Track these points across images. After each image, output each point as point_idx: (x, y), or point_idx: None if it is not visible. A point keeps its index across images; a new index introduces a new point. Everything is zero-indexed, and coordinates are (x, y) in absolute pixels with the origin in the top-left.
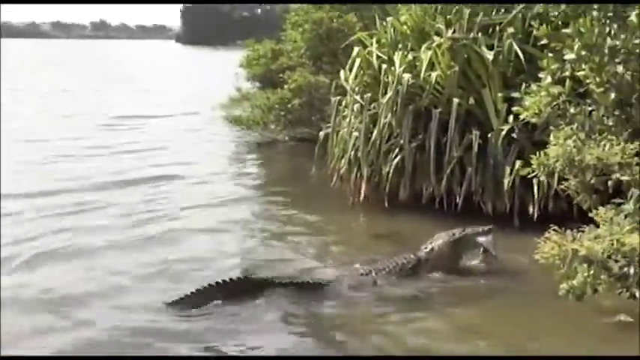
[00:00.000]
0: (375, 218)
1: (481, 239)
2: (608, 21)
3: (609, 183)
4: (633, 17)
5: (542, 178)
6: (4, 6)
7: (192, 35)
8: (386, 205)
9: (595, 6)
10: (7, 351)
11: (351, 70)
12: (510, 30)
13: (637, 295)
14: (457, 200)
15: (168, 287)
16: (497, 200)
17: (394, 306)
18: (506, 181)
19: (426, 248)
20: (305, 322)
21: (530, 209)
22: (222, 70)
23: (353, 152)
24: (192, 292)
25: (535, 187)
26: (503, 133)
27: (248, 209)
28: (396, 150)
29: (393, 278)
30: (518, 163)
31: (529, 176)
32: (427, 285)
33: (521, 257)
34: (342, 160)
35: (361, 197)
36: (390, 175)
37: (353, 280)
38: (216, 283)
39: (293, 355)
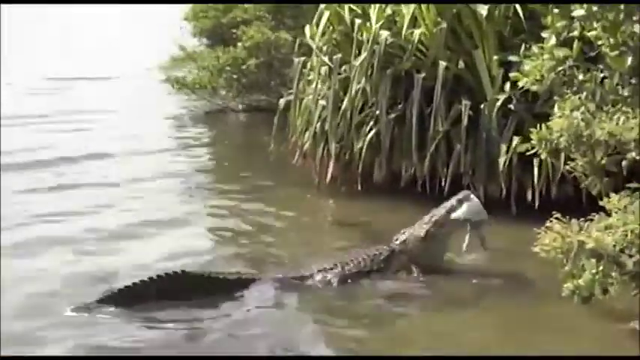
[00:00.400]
0: (344, 204)
1: (459, 212)
2: None
3: (623, 164)
4: None
5: (544, 156)
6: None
7: None
8: (358, 187)
9: None
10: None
11: (317, 25)
12: None
13: None
14: (443, 183)
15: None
16: (491, 183)
17: (336, 308)
18: (502, 161)
19: (397, 240)
20: (233, 323)
21: (530, 194)
22: (164, 24)
23: (319, 124)
24: (121, 289)
25: (535, 168)
26: (499, 103)
27: (192, 195)
28: (371, 122)
29: (359, 275)
30: (515, 139)
31: (528, 154)
32: (397, 285)
33: (518, 250)
34: (307, 134)
35: (328, 178)
36: (364, 152)
37: (302, 277)
38: (150, 278)
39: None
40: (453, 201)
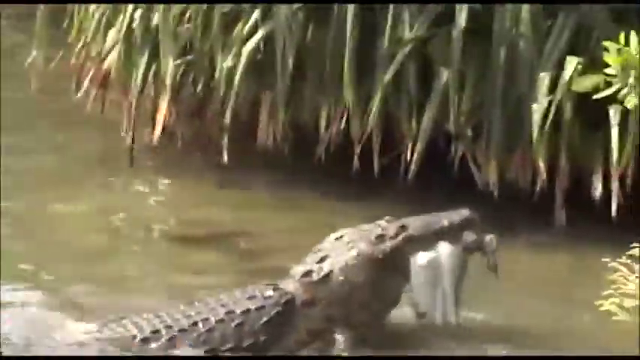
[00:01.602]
0: (192, 192)
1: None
2: None
3: None
4: None
5: (631, 105)
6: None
7: None
8: (223, 158)
9: None
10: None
11: None
12: None
13: None
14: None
15: None
16: (509, 161)
17: None
18: (537, 118)
19: (302, 272)
20: None
21: (596, 186)
22: None
23: (139, 19)
24: None
25: (614, 134)
26: None
27: None
28: (254, 15)
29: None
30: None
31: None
32: None
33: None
34: (108, 38)
35: (156, 134)
36: (237, 77)
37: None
38: None
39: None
40: (454, 217)
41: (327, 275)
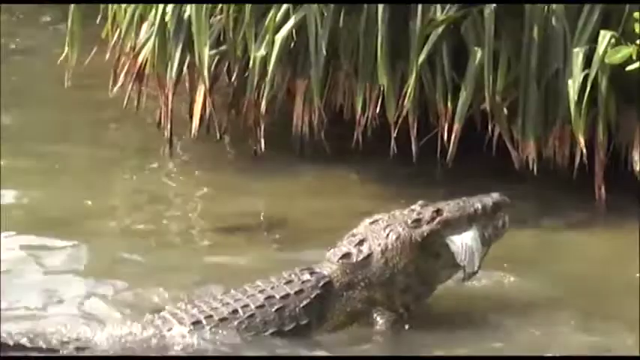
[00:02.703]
0: (226, 176)
1: (461, 241)
2: None
3: None
4: None
5: None
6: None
7: None
8: (261, 147)
9: None
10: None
11: None
12: None
13: None
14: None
15: None
16: (546, 138)
17: None
18: (573, 94)
19: (340, 255)
20: None
21: (636, 159)
22: None
23: (171, 12)
24: None
25: None
26: None
27: None
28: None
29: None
30: (605, 35)
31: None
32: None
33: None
34: (142, 33)
35: (194, 128)
36: (271, 67)
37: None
38: None
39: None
40: (486, 200)
41: (367, 258)
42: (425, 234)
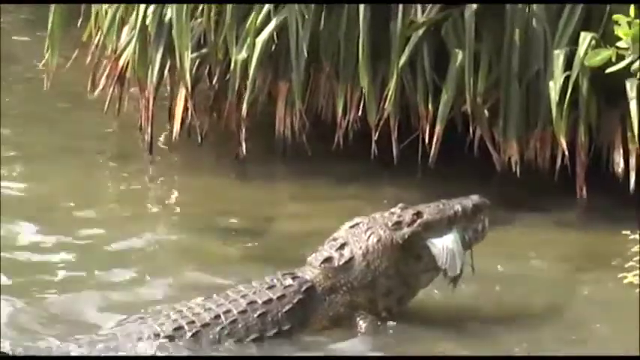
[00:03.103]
0: (207, 179)
1: (440, 244)
2: None
3: None
4: None
5: None
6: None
7: None
8: (242, 151)
9: None
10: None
11: None
12: None
13: None
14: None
15: None
16: (527, 140)
17: None
18: (554, 92)
19: (322, 258)
20: None
21: (617, 161)
22: None
23: (152, 14)
24: None
25: (632, 108)
26: None
27: None
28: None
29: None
30: (586, 37)
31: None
32: None
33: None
34: (124, 34)
35: (176, 130)
36: (252, 68)
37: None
38: None
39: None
40: (465, 203)
41: (349, 261)
42: (406, 236)
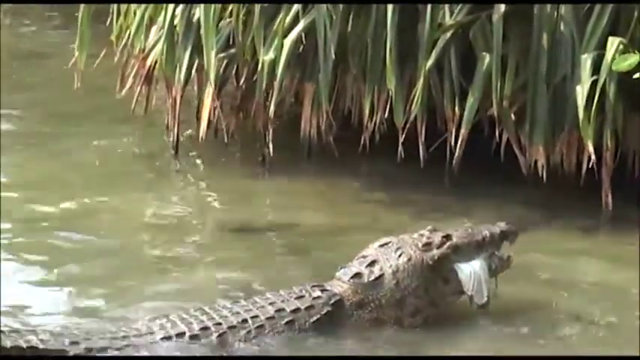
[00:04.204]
0: (233, 180)
1: (468, 270)
2: None
3: None
4: None
5: None
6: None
7: None
8: (268, 152)
9: None
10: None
11: None
12: None
13: None
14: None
15: None
16: (553, 144)
17: None
18: (581, 100)
19: (350, 274)
20: None
21: None
22: None
23: (181, 14)
24: None
25: None
26: None
27: None
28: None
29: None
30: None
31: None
32: None
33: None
34: (152, 34)
35: (202, 130)
36: (279, 70)
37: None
38: None
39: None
40: (493, 229)
41: (378, 278)
42: (436, 257)
